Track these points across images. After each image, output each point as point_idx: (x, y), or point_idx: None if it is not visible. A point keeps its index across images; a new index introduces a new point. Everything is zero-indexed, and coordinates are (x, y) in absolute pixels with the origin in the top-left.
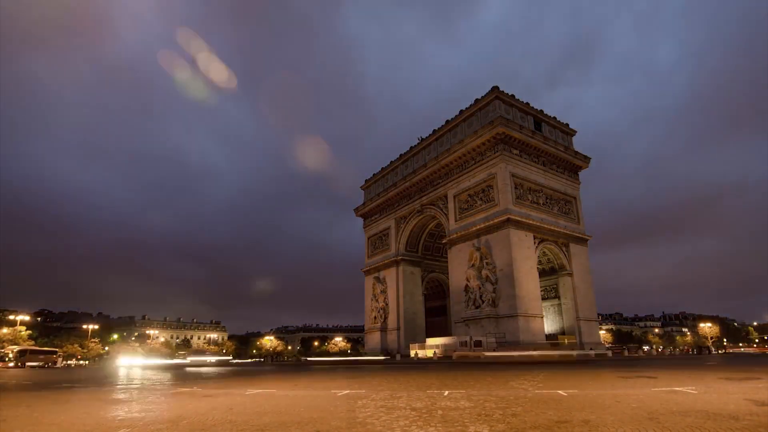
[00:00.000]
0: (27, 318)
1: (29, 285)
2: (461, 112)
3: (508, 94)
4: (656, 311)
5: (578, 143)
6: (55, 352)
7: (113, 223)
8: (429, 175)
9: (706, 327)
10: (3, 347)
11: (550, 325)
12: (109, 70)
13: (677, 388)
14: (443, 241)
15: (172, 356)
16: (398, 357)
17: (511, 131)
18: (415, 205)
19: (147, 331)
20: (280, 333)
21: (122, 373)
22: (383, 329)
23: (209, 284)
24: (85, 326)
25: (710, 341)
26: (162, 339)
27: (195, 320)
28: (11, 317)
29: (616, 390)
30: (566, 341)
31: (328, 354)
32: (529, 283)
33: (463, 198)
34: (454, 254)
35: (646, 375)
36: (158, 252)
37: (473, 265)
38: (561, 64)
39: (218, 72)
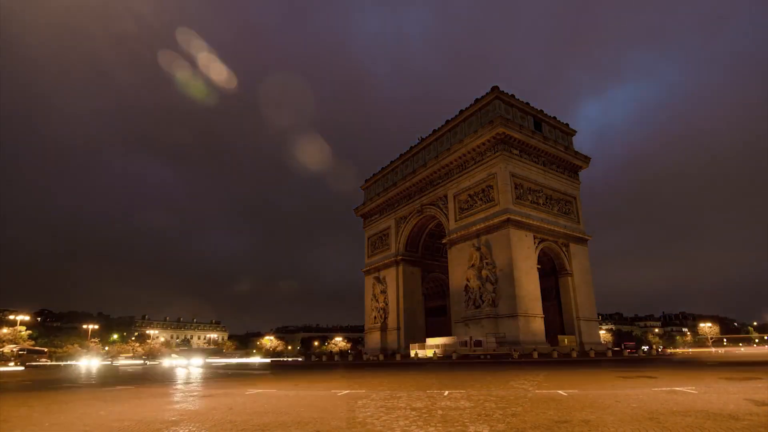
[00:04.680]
0: (27, 318)
1: (29, 285)
2: (461, 111)
3: (508, 93)
4: (656, 311)
5: (578, 143)
6: (43, 352)
7: (111, 222)
8: (429, 174)
9: (706, 327)
10: (2, 347)
11: (549, 325)
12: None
13: (677, 388)
14: (443, 241)
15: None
16: (398, 357)
17: (511, 131)
18: (415, 204)
19: (147, 331)
20: (280, 333)
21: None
22: (383, 329)
23: (209, 284)
24: (85, 326)
25: (710, 341)
26: (162, 339)
27: (195, 320)
28: (11, 317)
29: (616, 390)
30: (566, 341)
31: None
32: (529, 283)
33: (463, 198)
34: (454, 254)
35: (646, 375)
36: (155, 251)
37: (473, 265)
38: None
39: (218, 72)
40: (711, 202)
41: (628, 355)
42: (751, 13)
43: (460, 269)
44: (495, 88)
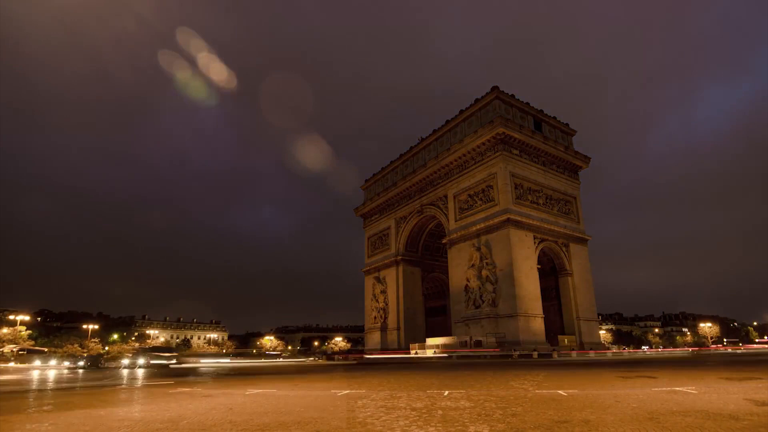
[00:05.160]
0: (27, 318)
1: (29, 285)
2: (461, 111)
3: (508, 93)
4: (656, 311)
5: (578, 143)
6: (43, 352)
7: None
8: (429, 174)
9: (706, 327)
10: (2, 347)
11: (549, 325)
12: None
13: (677, 388)
14: (443, 241)
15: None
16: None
17: (511, 131)
18: (415, 204)
19: (147, 331)
20: (280, 333)
21: None
22: (383, 329)
23: (209, 283)
24: (85, 326)
25: (710, 341)
26: (162, 339)
27: (195, 320)
28: (11, 317)
29: (616, 390)
30: (566, 341)
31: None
32: (529, 283)
33: (463, 198)
34: (454, 254)
35: (646, 375)
36: (157, 251)
37: (473, 265)
38: None
39: (218, 72)
40: (712, 200)
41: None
42: None
43: (460, 269)
44: (495, 88)
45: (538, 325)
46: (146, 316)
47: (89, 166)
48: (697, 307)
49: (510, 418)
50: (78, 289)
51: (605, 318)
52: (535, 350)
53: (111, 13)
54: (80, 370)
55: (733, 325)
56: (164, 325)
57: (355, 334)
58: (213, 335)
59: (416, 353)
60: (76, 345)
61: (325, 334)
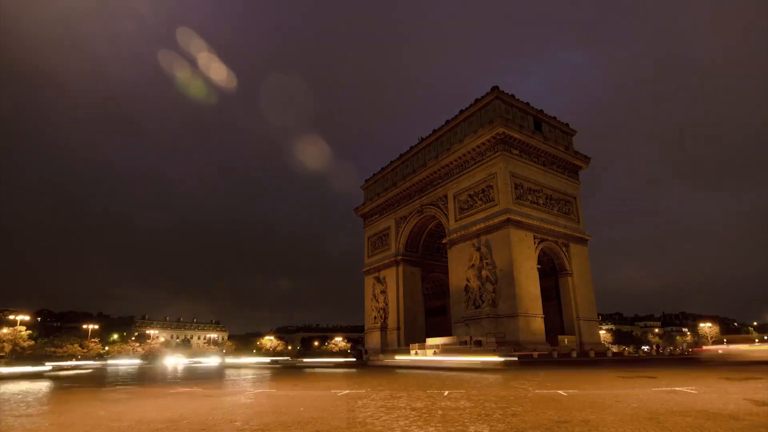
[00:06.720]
0: (27, 318)
1: (29, 285)
2: (461, 111)
3: (508, 94)
4: (656, 311)
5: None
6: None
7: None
8: (429, 174)
9: (706, 327)
10: (2, 347)
11: (549, 325)
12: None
13: (677, 388)
14: (443, 241)
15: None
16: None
17: (511, 131)
18: (415, 204)
19: (147, 331)
20: (280, 333)
21: None
22: (383, 329)
23: (209, 283)
24: (85, 326)
25: (710, 341)
26: (162, 339)
27: (195, 320)
28: (11, 317)
29: (616, 390)
30: (566, 341)
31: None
32: (529, 283)
33: (463, 198)
34: (454, 254)
35: (646, 375)
36: (159, 251)
37: (473, 265)
38: None
39: (218, 71)
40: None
41: None
42: None
43: (460, 269)
44: (495, 88)
45: (538, 325)
46: (146, 316)
47: (88, 166)
48: (697, 307)
49: (510, 418)
50: (78, 289)
51: (605, 318)
52: (535, 350)
53: (111, 13)
54: None
55: (734, 325)
56: (164, 325)
57: (355, 334)
58: (213, 335)
59: (416, 353)
60: (76, 345)
61: (325, 334)
